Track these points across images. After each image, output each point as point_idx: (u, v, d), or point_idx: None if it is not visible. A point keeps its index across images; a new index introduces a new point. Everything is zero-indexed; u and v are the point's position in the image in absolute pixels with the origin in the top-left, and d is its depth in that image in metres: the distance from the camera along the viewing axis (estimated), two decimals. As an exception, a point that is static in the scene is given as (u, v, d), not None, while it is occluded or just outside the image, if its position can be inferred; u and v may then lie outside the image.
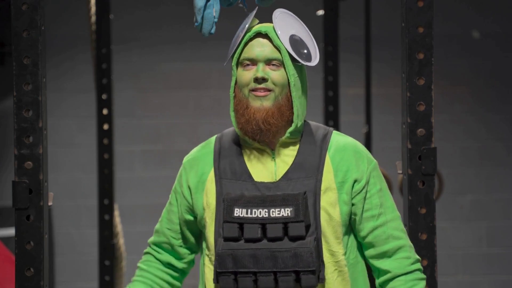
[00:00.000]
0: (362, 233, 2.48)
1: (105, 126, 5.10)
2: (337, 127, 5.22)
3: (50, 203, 3.01)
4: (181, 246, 2.60)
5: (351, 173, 2.46)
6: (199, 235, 2.56)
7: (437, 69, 2.94)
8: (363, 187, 2.49)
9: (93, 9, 5.18)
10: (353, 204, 2.46)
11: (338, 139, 2.51)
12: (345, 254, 2.45)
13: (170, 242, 2.61)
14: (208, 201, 2.43)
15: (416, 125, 2.91)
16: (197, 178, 2.49)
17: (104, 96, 5.10)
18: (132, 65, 7.48)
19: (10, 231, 7.48)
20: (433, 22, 2.93)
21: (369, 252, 2.51)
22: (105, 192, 5.13)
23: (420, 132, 2.91)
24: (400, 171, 2.99)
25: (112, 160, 5.14)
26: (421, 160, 2.90)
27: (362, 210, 2.48)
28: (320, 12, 5.31)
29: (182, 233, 2.57)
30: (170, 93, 7.78)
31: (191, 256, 2.63)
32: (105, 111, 5.09)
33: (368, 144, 5.87)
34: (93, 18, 5.18)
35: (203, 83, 7.05)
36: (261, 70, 2.37)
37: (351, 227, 2.49)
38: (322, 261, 2.36)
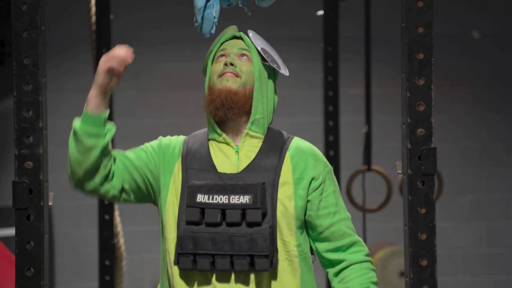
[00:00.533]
0: (319, 229, 2.65)
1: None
2: (337, 127, 5.23)
3: (50, 203, 3.02)
4: (119, 175, 2.70)
5: (308, 171, 2.63)
6: (132, 187, 2.72)
7: (437, 69, 2.95)
8: (319, 185, 2.65)
9: (93, 9, 5.19)
10: (308, 201, 2.63)
11: (298, 142, 2.69)
12: (296, 246, 2.61)
13: (122, 165, 2.71)
14: (175, 187, 2.61)
15: (416, 125, 2.92)
16: (168, 161, 2.66)
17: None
18: (132, 65, 7.41)
19: (10, 231, 7.50)
20: (433, 22, 2.93)
21: (323, 246, 2.69)
22: (105, 192, 5.15)
23: (420, 132, 2.92)
24: (400, 171, 2.99)
25: (112, 160, 5.16)
26: (421, 160, 2.91)
27: (318, 207, 2.64)
28: (320, 12, 5.31)
29: (130, 170, 2.70)
30: (170, 93, 7.80)
31: (108, 187, 2.69)
32: (104, 111, 5.11)
33: (368, 144, 5.88)
34: (93, 18, 5.18)
35: (203, 83, 7.06)
36: (231, 57, 2.63)
37: (305, 223, 2.65)
38: (276, 248, 2.53)
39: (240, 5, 2.80)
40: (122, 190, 2.68)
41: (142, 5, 7.79)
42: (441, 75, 7.03)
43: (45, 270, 2.98)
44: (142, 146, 2.77)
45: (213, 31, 2.74)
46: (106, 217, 5.14)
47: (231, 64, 2.61)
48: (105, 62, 2.66)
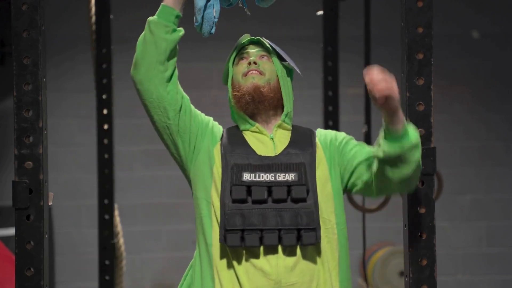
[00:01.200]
0: (358, 159, 2.86)
1: (105, 126, 5.11)
2: (336, 127, 5.23)
3: (50, 203, 3.02)
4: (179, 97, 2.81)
5: (334, 142, 2.85)
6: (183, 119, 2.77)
7: (436, 69, 2.95)
8: (342, 140, 2.91)
9: (93, 9, 5.19)
10: (342, 159, 2.84)
11: (323, 130, 2.94)
12: (336, 224, 2.75)
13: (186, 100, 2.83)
14: (213, 169, 2.72)
15: (415, 125, 2.92)
16: (209, 139, 2.78)
17: (104, 96, 5.11)
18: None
19: (10, 231, 7.49)
20: (432, 22, 2.93)
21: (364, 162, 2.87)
22: (105, 192, 5.14)
23: (420, 132, 2.91)
24: (399, 171, 3.00)
25: (112, 160, 5.15)
26: (420, 160, 2.91)
27: (348, 152, 2.86)
28: (320, 12, 5.31)
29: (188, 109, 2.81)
30: (170, 93, 7.78)
31: (172, 88, 2.79)
32: (105, 111, 5.10)
33: (368, 144, 5.87)
34: (93, 18, 5.18)
35: (203, 83, 7.06)
36: (253, 57, 2.78)
37: (351, 186, 2.84)
38: (319, 223, 2.64)
39: (240, 5, 2.81)
40: (180, 109, 2.77)
41: (142, 5, 7.77)
42: (441, 75, 7.01)
43: (45, 270, 2.98)
44: (200, 115, 2.86)
45: (213, 31, 2.75)
46: (106, 217, 5.14)
47: (254, 63, 2.76)
48: None
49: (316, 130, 2.88)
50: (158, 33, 2.70)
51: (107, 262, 5.14)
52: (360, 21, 5.75)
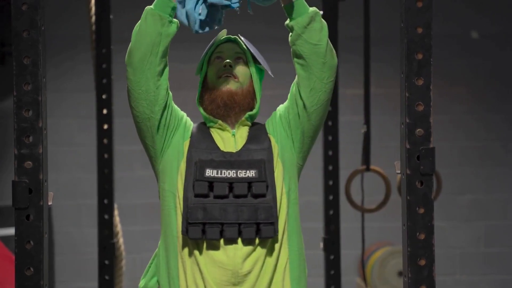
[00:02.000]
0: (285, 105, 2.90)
1: (105, 126, 5.11)
2: (336, 127, 5.23)
3: (50, 203, 3.02)
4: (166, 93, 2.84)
5: (275, 124, 2.91)
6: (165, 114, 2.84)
7: (436, 69, 2.96)
8: (278, 117, 2.92)
9: (93, 9, 5.19)
10: (286, 125, 2.88)
11: (268, 120, 2.95)
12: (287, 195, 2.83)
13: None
14: (181, 163, 2.81)
15: (414, 125, 2.92)
16: (180, 135, 2.86)
17: (104, 96, 5.11)
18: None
19: (10, 231, 7.50)
20: (432, 22, 2.94)
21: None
22: (105, 192, 5.14)
23: (419, 132, 2.92)
24: (399, 171, 3.00)
25: (112, 159, 5.15)
26: (419, 160, 2.91)
27: (284, 115, 2.90)
28: (320, 12, 5.30)
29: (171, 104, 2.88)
30: (169, 93, 7.80)
31: (163, 83, 2.81)
32: (105, 111, 5.10)
33: (366, 144, 5.88)
34: (93, 18, 5.18)
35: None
36: (228, 59, 2.82)
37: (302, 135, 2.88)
38: (277, 218, 2.72)
39: (237, 10, 2.80)
40: (165, 106, 2.82)
41: (141, 5, 7.77)
42: (440, 75, 7.02)
43: (44, 270, 2.99)
44: (178, 111, 2.94)
45: (202, 29, 2.74)
46: (106, 216, 5.14)
47: (230, 66, 2.80)
48: None
49: (265, 122, 2.93)
50: (153, 25, 2.72)
51: (106, 262, 5.14)
52: (359, 21, 5.75)
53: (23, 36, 2.96)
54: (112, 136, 5.18)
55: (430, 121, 2.94)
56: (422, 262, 2.92)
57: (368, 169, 6.01)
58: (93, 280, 5.62)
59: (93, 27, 5.18)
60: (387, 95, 7.69)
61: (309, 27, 2.73)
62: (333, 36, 5.61)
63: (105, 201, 5.15)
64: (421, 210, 2.93)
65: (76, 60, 8.04)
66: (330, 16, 5.11)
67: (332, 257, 5.06)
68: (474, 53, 8.67)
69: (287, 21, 2.78)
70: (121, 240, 5.35)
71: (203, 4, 2.73)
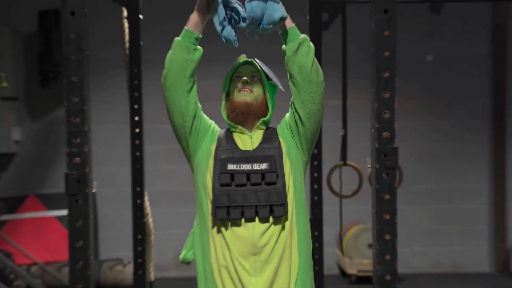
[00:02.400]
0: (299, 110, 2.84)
1: (137, 130, 5.10)
2: (321, 131, 5.20)
3: (94, 190, 3.02)
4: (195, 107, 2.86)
5: (284, 129, 2.90)
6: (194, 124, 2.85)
7: (399, 85, 2.94)
8: (285, 124, 2.91)
9: (127, 37, 5.18)
10: (291, 128, 2.87)
11: (278, 125, 2.94)
12: (294, 184, 2.84)
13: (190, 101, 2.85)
14: (209, 161, 2.82)
15: (382, 130, 2.91)
16: (209, 139, 2.87)
17: (136, 106, 5.10)
18: (157, 81, 7.45)
19: (64, 212, 7.50)
20: (396, 48, 2.92)
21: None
22: (137, 182, 5.13)
23: (385, 135, 2.90)
24: (370, 166, 2.99)
25: (142, 156, 5.14)
26: (386, 157, 2.90)
27: (289, 121, 2.89)
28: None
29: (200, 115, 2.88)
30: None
31: (191, 98, 2.84)
32: (136, 118, 5.09)
33: (344, 144, 5.87)
34: (127, 45, 5.18)
35: (214, 96, 7.04)
36: (247, 78, 2.83)
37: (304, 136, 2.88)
38: (286, 200, 2.74)
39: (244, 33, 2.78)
40: (194, 116, 2.83)
41: (165, 34, 7.76)
42: (402, 90, 7.00)
43: (90, 243, 2.99)
44: (206, 119, 2.94)
45: (236, 45, 2.72)
46: (138, 201, 5.13)
47: (247, 82, 2.82)
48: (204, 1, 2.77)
49: (277, 127, 2.93)
50: (181, 53, 2.73)
51: (139, 237, 5.14)
52: (339, 47, 5.74)
53: (71, 59, 2.95)
54: (142, 138, 5.17)
55: (394, 126, 2.92)
56: (387, 237, 2.91)
57: (345, 164, 6.00)
58: (129, 250, 5.61)
59: (127, 52, 5.17)
60: (360, 105, 7.66)
61: (298, 51, 2.71)
62: (317, 58, 5.61)
63: (137, 189, 5.14)
64: (387, 196, 2.92)
65: (114, 77, 8.03)
66: (315, 42, 5.07)
67: (316, 233, 5.05)
68: (428, 73, 8.66)
69: (283, 46, 2.77)
70: (150, 220, 5.34)
71: (229, 27, 2.70)
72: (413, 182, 8.33)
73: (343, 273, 8.27)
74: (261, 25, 2.70)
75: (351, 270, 7.91)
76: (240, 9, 2.69)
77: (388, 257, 2.92)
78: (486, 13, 8.73)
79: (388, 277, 2.92)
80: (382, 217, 2.92)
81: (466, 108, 8.77)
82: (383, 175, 2.92)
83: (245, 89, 2.81)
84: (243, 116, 2.80)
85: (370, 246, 7.72)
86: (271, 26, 2.71)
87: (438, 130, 8.74)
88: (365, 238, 7.87)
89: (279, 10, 2.69)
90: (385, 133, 2.92)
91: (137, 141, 5.13)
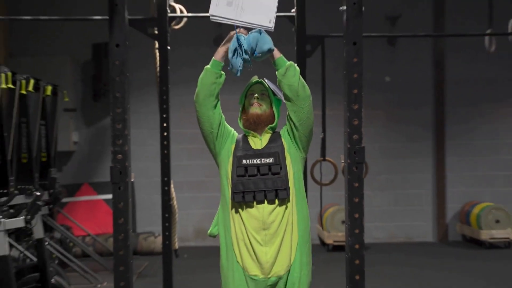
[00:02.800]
0: (292, 117, 2.79)
1: (165, 134, 5.10)
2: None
3: (132, 180, 3.01)
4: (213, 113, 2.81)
5: (285, 134, 2.84)
6: (218, 129, 2.82)
7: (365, 99, 2.94)
8: (287, 130, 2.84)
9: (157, 63, 5.18)
10: (291, 136, 2.82)
11: (282, 130, 2.86)
12: (294, 175, 2.78)
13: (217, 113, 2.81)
14: (230, 158, 2.77)
15: (352, 133, 2.91)
16: (230, 140, 2.82)
17: (164, 115, 5.09)
18: (180, 97, 7.47)
19: (109, 196, 7.49)
20: (362, 71, 2.92)
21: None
22: (165, 173, 5.12)
23: (355, 137, 2.90)
24: (343, 161, 2.99)
25: (169, 154, 5.13)
26: (355, 154, 2.90)
27: (288, 127, 2.82)
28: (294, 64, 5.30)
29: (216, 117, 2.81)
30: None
31: (217, 111, 2.81)
32: (164, 124, 5.09)
33: (323, 144, 5.87)
34: (158, 69, 5.17)
35: (227, 107, 7.07)
36: (258, 94, 2.80)
37: (299, 138, 2.82)
38: (288, 186, 2.72)
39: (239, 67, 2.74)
40: (219, 124, 2.81)
41: (189, 61, 7.75)
42: (368, 103, 7.03)
43: (129, 220, 3.00)
44: (228, 126, 2.88)
45: (238, 74, 2.70)
46: (166, 188, 5.13)
47: (257, 98, 2.79)
48: (228, 38, 2.74)
49: (280, 130, 2.88)
50: (210, 78, 2.71)
51: (166, 215, 5.14)
52: (319, 70, 5.73)
53: (116, 80, 2.95)
54: (169, 139, 5.16)
55: (362, 131, 2.92)
56: (356, 215, 2.91)
57: (324, 159, 5.99)
58: (158, 226, 5.59)
59: (158, 74, 5.17)
60: (336, 115, 7.60)
61: (286, 74, 2.69)
62: (303, 76, 5.60)
63: (165, 178, 5.13)
64: (356, 184, 2.92)
65: (148, 93, 8.01)
66: (301, 67, 5.06)
67: (302, 212, 5.05)
68: (387, 90, 8.66)
69: (276, 72, 2.76)
70: (175, 202, 5.34)
71: (239, 60, 2.69)
72: (376, 173, 8.30)
73: (323, 243, 8.26)
74: (254, 54, 2.70)
75: (329, 241, 7.90)
76: (245, 44, 2.69)
77: (357, 231, 2.91)
78: (429, 45, 8.77)
79: (357, 246, 2.92)
80: (352, 200, 2.92)
81: (415, 117, 8.78)
82: (353, 168, 2.92)
83: (256, 104, 2.78)
84: (255, 124, 2.77)
85: (343, 222, 7.71)
86: (260, 55, 2.70)
87: (395, 134, 8.73)
88: (339, 216, 7.86)
89: (268, 43, 2.67)
90: (354, 136, 2.92)
91: (165, 142, 5.12)
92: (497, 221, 8.03)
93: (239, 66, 2.66)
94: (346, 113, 2.93)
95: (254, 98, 2.79)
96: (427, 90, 8.79)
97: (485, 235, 7.97)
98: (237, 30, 2.68)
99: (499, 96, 8.78)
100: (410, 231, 8.76)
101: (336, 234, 7.83)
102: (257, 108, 2.78)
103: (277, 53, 2.72)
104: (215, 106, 2.75)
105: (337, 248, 7.72)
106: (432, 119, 8.80)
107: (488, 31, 6.01)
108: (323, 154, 5.92)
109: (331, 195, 7.72)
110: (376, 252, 7.76)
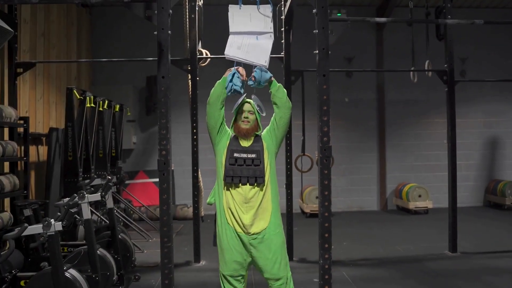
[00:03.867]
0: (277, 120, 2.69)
1: (194, 137, 5.07)
2: (291, 137, 5.16)
3: (172, 168, 2.98)
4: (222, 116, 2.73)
5: (266, 135, 2.73)
6: (221, 124, 2.70)
7: (332, 114, 2.91)
8: (268, 131, 2.72)
9: (190, 85, 5.15)
10: (273, 134, 2.70)
11: (263, 132, 2.75)
12: (270, 168, 2.68)
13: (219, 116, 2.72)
14: (225, 150, 2.67)
15: (323, 136, 2.89)
16: (226, 136, 2.71)
17: (194, 124, 5.07)
18: (205, 111, 7.42)
19: (157, 180, 7.44)
20: (329, 94, 2.89)
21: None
22: (195, 164, 5.10)
23: (325, 139, 2.88)
24: (317, 156, 2.96)
25: (197, 150, 5.11)
26: (325, 151, 2.88)
27: (270, 128, 2.71)
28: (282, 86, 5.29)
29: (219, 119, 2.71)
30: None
31: (222, 112, 2.71)
32: (194, 130, 5.06)
33: (303, 144, 5.85)
34: (190, 89, 5.14)
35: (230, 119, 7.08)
36: (246, 113, 2.69)
37: (277, 138, 2.71)
38: (264, 175, 2.63)
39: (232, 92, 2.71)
40: (221, 123, 2.72)
41: (210, 84, 7.76)
42: (334, 115, 7.04)
43: (170, 195, 2.97)
44: (226, 126, 2.77)
45: (229, 94, 2.67)
46: (195, 174, 5.10)
47: (246, 117, 2.68)
48: (228, 70, 2.71)
49: (261, 135, 2.74)
50: (220, 88, 2.66)
51: (195, 193, 5.11)
52: (299, 93, 5.70)
53: (161, 100, 2.93)
54: (198, 140, 5.13)
55: (329, 135, 2.90)
56: (326, 193, 2.89)
57: (304, 154, 5.98)
58: (190, 199, 5.57)
59: (190, 96, 5.14)
60: (312, 124, 7.59)
61: (277, 91, 2.67)
62: (289, 97, 5.58)
63: (195, 168, 5.11)
64: (326, 171, 2.90)
65: (182, 109, 7.99)
66: (288, 90, 5.05)
67: (288, 191, 5.02)
68: (346, 108, 8.63)
69: (270, 90, 2.71)
70: (201, 184, 5.31)
71: (235, 86, 2.67)
72: (339, 164, 8.28)
73: (303, 212, 8.22)
74: (260, 83, 2.70)
75: (307, 210, 7.85)
76: (239, 83, 2.65)
77: (326, 203, 2.89)
78: (374, 77, 8.75)
79: (326, 214, 2.90)
80: (323, 182, 2.90)
81: (365, 126, 8.73)
82: (324, 160, 2.90)
83: (244, 120, 2.69)
84: (244, 135, 2.69)
85: (317, 197, 7.69)
86: (262, 83, 2.70)
87: (351, 137, 8.69)
88: (314, 193, 7.83)
89: (269, 74, 2.69)
90: (324, 138, 2.89)
91: (194, 142, 5.10)
92: (419, 196, 8.09)
93: (231, 87, 2.65)
94: (318, 123, 2.91)
95: (244, 117, 2.69)
96: (373, 108, 8.74)
97: (412, 205, 8.03)
98: (236, 68, 2.69)
99: (420, 111, 8.80)
100: (361, 203, 8.71)
101: (312, 206, 7.78)
102: (246, 125, 2.68)
103: (273, 78, 2.72)
104: (221, 109, 2.69)
105: (313, 215, 7.67)
106: (376, 127, 8.76)
107: (412, 68, 6.08)
108: (303, 150, 5.91)
109: (309, 179, 7.70)
110: (339, 219, 7.73)
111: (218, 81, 2.70)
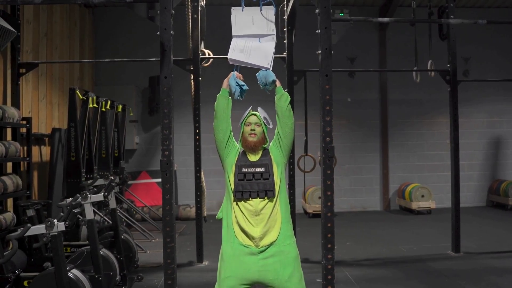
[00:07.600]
0: (280, 132, 2.58)
1: (197, 137, 5.07)
2: (294, 138, 5.17)
3: (175, 168, 2.98)
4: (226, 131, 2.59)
5: (273, 148, 2.60)
6: (228, 138, 2.59)
7: (334, 114, 2.90)
8: (273, 144, 2.61)
9: (193, 89, 5.15)
10: (279, 144, 2.58)
11: (270, 146, 2.63)
12: (280, 182, 2.55)
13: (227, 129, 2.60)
14: (233, 166, 2.55)
15: (325, 136, 2.88)
16: (234, 152, 2.59)
17: (196, 125, 5.07)
18: (206, 112, 7.43)
19: (160, 180, 7.45)
20: (332, 94, 2.89)
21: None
22: (197, 164, 5.09)
23: (327, 140, 2.87)
24: (319, 156, 2.95)
25: (200, 151, 5.11)
26: (328, 151, 2.87)
27: (276, 142, 2.59)
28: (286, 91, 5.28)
29: (227, 134, 2.60)
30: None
31: (229, 126, 2.60)
32: (197, 131, 5.06)
33: (306, 144, 5.85)
34: (193, 91, 5.14)
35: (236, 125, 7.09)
36: (253, 126, 2.57)
37: (282, 149, 2.58)
38: (274, 188, 2.51)
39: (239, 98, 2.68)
40: (229, 136, 2.60)
41: (214, 86, 7.76)
42: (336, 115, 7.04)
43: (173, 195, 2.96)
44: (234, 140, 2.66)
45: (238, 98, 2.63)
46: (198, 174, 5.10)
47: (253, 130, 2.57)
48: (229, 75, 2.62)
49: (269, 147, 2.64)
50: (223, 100, 2.57)
51: (198, 193, 5.11)
52: (302, 94, 5.69)
53: (164, 100, 2.93)
54: (200, 141, 5.13)
55: (332, 135, 2.89)
56: (329, 193, 2.88)
57: (306, 154, 5.97)
58: (193, 200, 5.58)
59: (192, 96, 5.14)
60: (315, 124, 7.60)
61: (280, 98, 2.56)
62: (291, 99, 5.57)
63: (197, 167, 5.10)
64: (328, 172, 2.89)
65: (185, 110, 8.00)
66: (290, 91, 5.05)
67: (291, 191, 5.01)
68: (349, 107, 8.62)
69: (275, 96, 2.67)
70: (204, 184, 5.31)
71: (237, 92, 2.63)
72: (341, 164, 8.28)
73: (305, 212, 8.22)
74: (266, 85, 2.67)
75: (310, 210, 7.83)
76: (238, 89, 2.59)
77: (329, 204, 2.89)
78: (377, 77, 8.74)
79: (329, 214, 2.89)
80: (326, 182, 2.89)
81: (368, 126, 8.72)
82: (326, 160, 2.89)
83: (252, 133, 2.59)
84: (251, 149, 2.58)
85: (319, 198, 7.69)
86: (269, 85, 2.68)
87: (354, 137, 8.68)
88: (317, 193, 7.82)
89: (272, 76, 2.63)
90: (327, 138, 2.89)
91: (197, 143, 5.10)
92: (422, 196, 8.07)
93: (234, 89, 2.59)
94: (321, 123, 2.90)
95: (251, 129, 2.60)
96: (376, 108, 8.73)
97: (414, 205, 8.01)
98: (235, 72, 2.63)
99: (424, 111, 8.78)
100: (364, 203, 8.71)
101: (315, 206, 7.76)
102: (253, 138, 2.58)
103: (278, 83, 2.64)
104: (227, 121, 2.60)
105: (315, 215, 7.65)
106: (379, 127, 8.74)
107: (415, 68, 6.05)
108: (305, 151, 5.90)
109: (311, 179, 7.71)
110: (342, 219, 7.72)
111: (218, 95, 2.61)
